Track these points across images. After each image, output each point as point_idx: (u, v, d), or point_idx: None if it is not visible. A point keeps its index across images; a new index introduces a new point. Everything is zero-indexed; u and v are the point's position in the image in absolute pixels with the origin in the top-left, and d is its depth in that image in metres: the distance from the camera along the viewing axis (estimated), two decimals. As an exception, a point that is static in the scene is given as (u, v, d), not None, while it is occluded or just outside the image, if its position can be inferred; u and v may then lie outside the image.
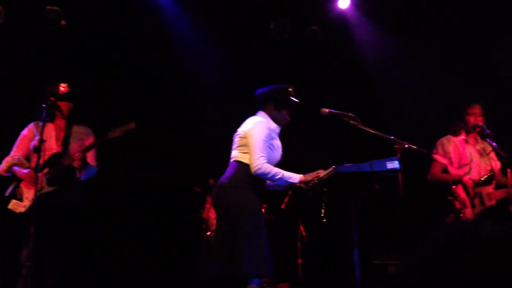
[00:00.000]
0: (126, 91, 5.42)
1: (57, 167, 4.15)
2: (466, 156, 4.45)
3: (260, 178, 3.60)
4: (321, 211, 3.51)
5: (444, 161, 4.47)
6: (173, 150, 5.54)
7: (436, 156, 4.49)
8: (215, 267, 3.55)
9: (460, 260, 1.48)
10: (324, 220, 3.47)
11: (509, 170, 4.05)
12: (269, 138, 3.62)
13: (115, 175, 5.21)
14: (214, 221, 5.35)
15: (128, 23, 5.31)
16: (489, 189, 4.34)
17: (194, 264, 4.96)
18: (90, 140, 4.35)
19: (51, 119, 4.28)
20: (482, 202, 4.30)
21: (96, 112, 4.95)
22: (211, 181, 5.31)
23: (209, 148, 5.67)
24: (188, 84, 5.60)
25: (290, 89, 3.74)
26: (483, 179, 4.35)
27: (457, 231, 1.51)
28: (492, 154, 4.48)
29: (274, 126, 3.71)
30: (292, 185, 3.69)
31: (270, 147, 3.63)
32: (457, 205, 4.28)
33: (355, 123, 3.64)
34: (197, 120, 5.71)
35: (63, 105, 4.27)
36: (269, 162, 3.57)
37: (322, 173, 3.53)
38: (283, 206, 5.09)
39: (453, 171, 4.45)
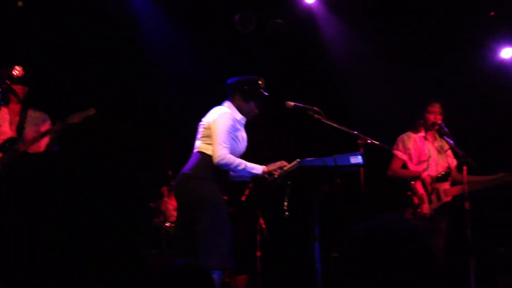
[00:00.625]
0: (87, 76, 5.26)
1: (12, 153, 4.01)
2: (425, 153, 4.56)
3: (223, 169, 3.57)
4: (283, 204, 3.51)
5: (404, 157, 4.56)
6: (134, 139, 5.44)
7: (396, 152, 4.57)
8: (182, 259, 3.50)
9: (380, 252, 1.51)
10: (287, 213, 3.47)
11: (465, 168, 4.16)
12: (234, 129, 3.58)
13: (73, 162, 5.07)
14: (173, 212, 5.30)
15: (91, 7, 5.16)
16: (446, 185, 4.46)
17: (154, 256, 4.88)
18: (46, 125, 4.23)
19: (6, 103, 4.14)
20: (438, 198, 4.42)
21: (55, 97, 4.80)
22: (170, 172, 5.25)
23: (170, 138, 5.60)
24: (151, 73, 5.50)
25: (261, 82, 3.71)
26: (440, 175, 4.47)
27: (376, 226, 1.55)
28: (449, 152, 4.60)
29: (239, 117, 3.68)
30: (254, 178, 3.68)
31: (234, 138, 3.60)
32: (416, 200, 4.38)
33: (320, 117, 3.65)
34: (159, 109, 5.61)
35: (18, 89, 4.14)
36: (232, 153, 3.54)
37: (285, 164, 3.53)
38: (243, 198, 5.09)
39: (412, 167, 4.55)
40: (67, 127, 4.05)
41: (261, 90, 3.70)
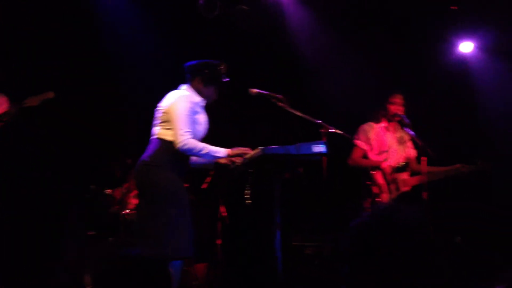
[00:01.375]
0: (45, 57, 5.06)
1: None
2: (385, 143, 4.62)
3: (184, 156, 3.50)
4: (245, 192, 3.49)
5: (365, 147, 4.61)
6: (93, 124, 5.29)
7: (357, 142, 4.61)
8: (138, 249, 3.43)
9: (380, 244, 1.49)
10: (249, 202, 3.45)
11: (424, 158, 4.24)
12: (193, 112, 3.51)
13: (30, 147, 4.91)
14: (132, 200, 5.21)
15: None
16: (404, 175, 4.53)
17: (113, 244, 4.78)
18: (3, 107, 4.06)
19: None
20: (397, 187, 4.49)
21: (12, 78, 4.62)
22: (129, 160, 5.15)
23: (131, 124, 5.48)
24: (111, 57, 5.34)
25: (222, 67, 3.65)
26: (399, 165, 4.54)
27: (376, 218, 1.52)
28: (409, 143, 4.67)
29: (198, 99, 3.60)
30: (216, 165, 3.63)
31: (194, 121, 3.53)
32: (375, 190, 4.44)
33: (283, 105, 3.63)
34: (119, 94, 5.48)
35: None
36: (193, 137, 3.47)
37: (249, 152, 3.49)
38: (204, 186, 5.04)
39: (372, 157, 4.60)
40: (25, 110, 3.90)
41: (222, 76, 3.65)
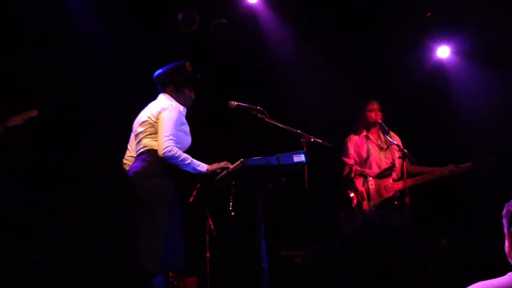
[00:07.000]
0: (27, 75, 4.99)
1: None
2: (364, 152, 4.67)
3: (175, 166, 3.41)
4: (229, 204, 3.51)
5: (351, 161, 4.67)
6: (77, 140, 5.26)
7: (344, 159, 4.70)
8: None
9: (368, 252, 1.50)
10: (232, 214, 3.46)
11: (404, 162, 4.27)
12: (180, 123, 3.47)
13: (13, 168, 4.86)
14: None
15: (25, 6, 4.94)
16: (388, 181, 4.58)
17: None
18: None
19: None
20: (379, 194, 4.53)
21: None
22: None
23: (112, 140, 5.45)
24: (90, 75, 5.29)
25: (187, 64, 3.62)
26: (382, 172, 4.59)
27: (369, 225, 1.54)
28: (394, 146, 4.70)
29: (182, 108, 3.56)
30: (200, 177, 3.63)
31: (182, 131, 3.48)
32: (355, 197, 4.48)
33: (263, 116, 3.66)
34: (98, 111, 5.43)
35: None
36: (180, 148, 3.42)
37: (228, 165, 3.50)
38: (191, 199, 5.05)
39: (356, 167, 4.65)
40: (8, 130, 3.84)
41: (191, 74, 3.62)
